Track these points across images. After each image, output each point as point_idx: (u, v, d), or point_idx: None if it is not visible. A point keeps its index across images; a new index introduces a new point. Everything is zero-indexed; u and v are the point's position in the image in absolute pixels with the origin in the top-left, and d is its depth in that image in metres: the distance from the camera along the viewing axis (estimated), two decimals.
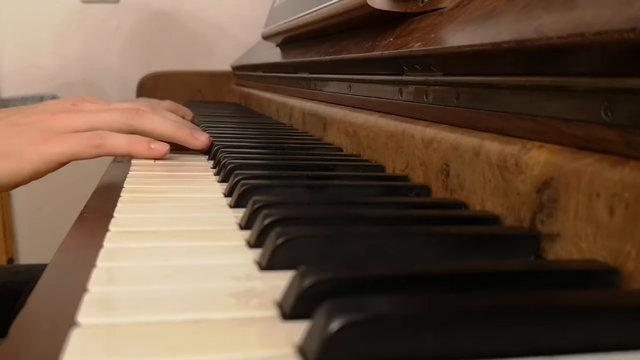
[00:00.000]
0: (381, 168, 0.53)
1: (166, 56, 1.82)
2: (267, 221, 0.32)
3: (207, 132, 0.69)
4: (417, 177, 0.46)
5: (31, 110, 0.56)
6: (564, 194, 0.29)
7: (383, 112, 0.56)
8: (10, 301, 0.61)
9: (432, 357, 0.20)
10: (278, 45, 1.13)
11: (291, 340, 0.21)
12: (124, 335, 0.22)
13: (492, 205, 0.35)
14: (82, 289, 0.25)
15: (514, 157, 0.33)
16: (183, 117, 0.65)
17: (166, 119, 0.60)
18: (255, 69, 1.28)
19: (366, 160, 0.56)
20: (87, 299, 0.24)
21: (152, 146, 0.56)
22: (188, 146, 0.62)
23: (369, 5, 0.53)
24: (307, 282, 0.23)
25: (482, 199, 0.36)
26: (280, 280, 0.26)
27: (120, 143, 0.54)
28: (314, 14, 0.75)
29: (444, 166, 0.41)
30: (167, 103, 0.64)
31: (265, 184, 0.43)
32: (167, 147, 0.58)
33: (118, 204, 0.41)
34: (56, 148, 0.51)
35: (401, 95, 0.52)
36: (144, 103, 0.63)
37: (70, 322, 0.22)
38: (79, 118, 0.55)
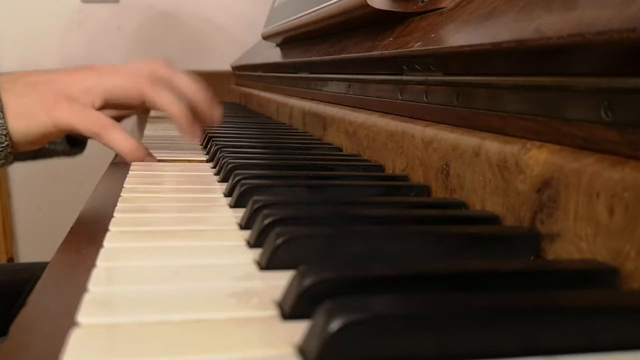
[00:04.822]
0: (381, 168, 0.53)
1: (166, 56, 1.82)
2: (267, 221, 0.32)
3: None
4: (417, 177, 0.45)
5: (49, 71, 0.57)
6: (564, 194, 0.29)
7: (383, 112, 0.56)
8: (10, 300, 0.61)
9: (432, 357, 0.20)
10: (278, 45, 1.13)
11: (291, 340, 0.21)
12: (124, 335, 0.22)
13: (492, 205, 0.35)
14: (82, 289, 0.25)
15: (514, 157, 0.33)
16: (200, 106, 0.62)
17: (175, 101, 0.58)
18: (255, 69, 1.28)
19: (366, 160, 0.56)
20: (87, 298, 0.24)
21: (146, 159, 0.57)
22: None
23: (369, 5, 0.53)
24: (307, 282, 0.23)
25: (482, 198, 0.36)
26: (280, 280, 0.26)
27: (117, 142, 0.54)
28: (314, 14, 0.74)
29: (444, 166, 0.41)
30: (188, 82, 0.61)
31: (265, 184, 0.43)
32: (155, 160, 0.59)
33: (118, 204, 0.41)
34: (63, 114, 0.52)
35: (401, 95, 0.52)
36: (161, 64, 0.60)
37: (70, 322, 0.22)
38: (93, 78, 0.54)
